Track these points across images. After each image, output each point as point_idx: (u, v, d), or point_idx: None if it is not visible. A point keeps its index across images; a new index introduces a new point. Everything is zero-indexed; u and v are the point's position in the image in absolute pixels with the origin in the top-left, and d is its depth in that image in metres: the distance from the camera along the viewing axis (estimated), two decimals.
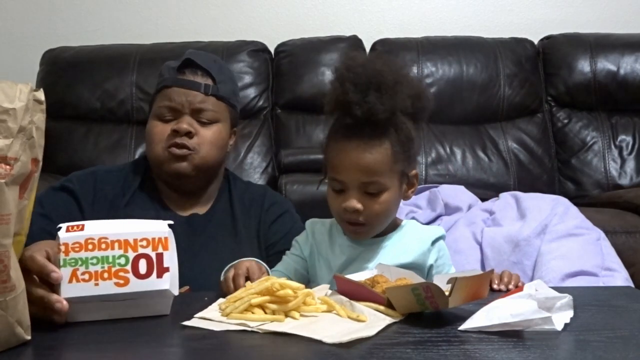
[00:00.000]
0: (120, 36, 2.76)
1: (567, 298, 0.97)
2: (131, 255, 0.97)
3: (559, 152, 2.64)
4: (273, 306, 0.96)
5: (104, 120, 2.58)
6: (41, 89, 0.88)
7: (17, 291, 0.84)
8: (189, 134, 1.41)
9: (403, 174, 1.21)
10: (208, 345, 0.88)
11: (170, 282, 0.99)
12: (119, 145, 2.53)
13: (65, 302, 0.93)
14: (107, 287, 0.95)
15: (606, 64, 2.63)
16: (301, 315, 0.97)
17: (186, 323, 0.95)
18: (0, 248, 0.81)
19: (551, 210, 1.78)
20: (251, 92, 2.61)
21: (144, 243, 0.97)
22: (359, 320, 0.95)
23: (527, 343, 0.87)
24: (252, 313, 0.96)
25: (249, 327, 0.92)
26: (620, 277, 1.66)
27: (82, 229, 0.96)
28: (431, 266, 1.23)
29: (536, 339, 0.88)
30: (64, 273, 0.94)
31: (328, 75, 2.59)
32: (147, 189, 1.47)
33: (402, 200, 1.25)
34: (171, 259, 0.99)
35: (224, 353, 0.88)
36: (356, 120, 1.17)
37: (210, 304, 1.03)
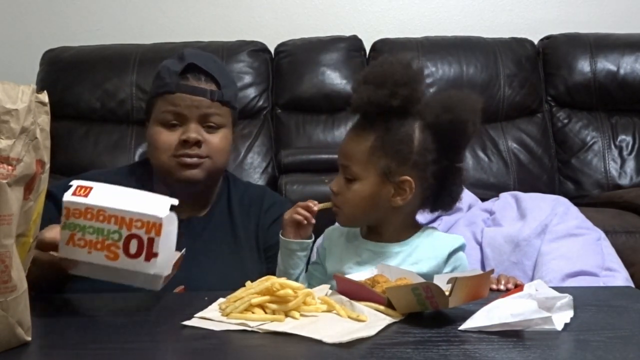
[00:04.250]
0: (120, 36, 2.76)
1: (567, 298, 0.97)
2: (124, 233, 0.98)
3: (559, 152, 2.64)
4: (273, 306, 0.97)
5: (104, 120, 2.58)
6: (45, 91, 0.88)
7: (19, 292, 0.84)
8: (198, 143, 1.40)
9: (385, 173, 1.20)
10: (208, 345, 0.88)
11: (157, 268, 1.00)
12: (119, 146, 2.53)
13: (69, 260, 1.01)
14: (98, 258, 0.99)
15: (606, 64, 2.63)
16: (301, 315, 0.97)
17: (186, 323, 0.95)
18: (1, 248, 0.81)
19: (551, 210, 1.78)
20: (251, 92, 2.60)
21: (138, 224, 0.99)
22: (359, 320, 0.95)
23: (527, 343, 0.87)
24: (252, 313, 0.96)
25: (249, 327, 0.92)
26: (620, 277, 1.66)
27: (86, 194, 1.00)
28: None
29: (536, 339, 0.89)
30: (64, 234, 1.00)
31: (328, 75, 2.59)
32: None
33: (391, 206, 1.22)
34: (164, 243, 1.00)
35: (224, 353, 0.88)
36: (354, 111, 1.25)
37: (210, 304, 1.03)
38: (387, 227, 1.26)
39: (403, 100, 1.19)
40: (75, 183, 1.01)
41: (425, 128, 1.21)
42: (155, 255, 0.99)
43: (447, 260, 1.23)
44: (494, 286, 1.18)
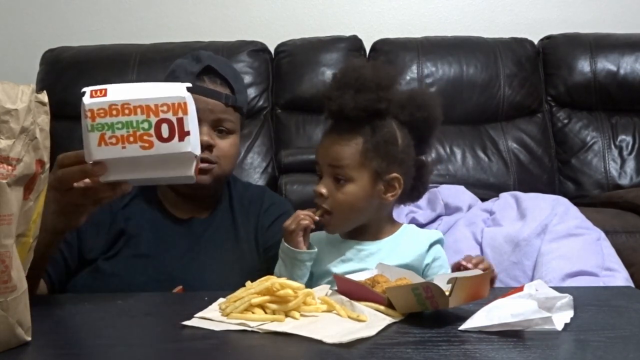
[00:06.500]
0: (120, 36, 2.76)
1: (567, 298, 0.97)
2: (153, 120, 1.01)
3: (559, 152, 2.64)
4: (273, 306, 0.96)
5: None
6: (44, 91, 0.88)
7: (19, 292, 0.84)
8: (210, 147, 1.39)
9: (377, 173, 1.25)
10: (208, 345, 0.88)
11: (191, 145, 1.02)
12: None
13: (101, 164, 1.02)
14: (134, 150, 1.01)
15: (606, 64, 2.64)
16: (301, 315, 0.97)
17: (186, 323, 0.95)
18: (1, 249, 0.81)
19: (551, 210, 1.79)
20: (251, 92, 2.60)
21: (165, 108, 1.01)
22: (359, 320, 0.95)
23: (527, 343, 0.87)
24: (252, 313, 0.96)
25: (249, 327, 0.92)
26: (620, 277, 1.66)
27: (104, 95, 1.03)
28: (427, 265, 1.27)
29: (536, 339, 0.89)
30: (92, 137, 1.02)
31: (328, 75, 2.59)
32: (147, 193, 1.46)
33: (381, 202, 1.28)
34: (192, 122, 1.02)
35: (224, 353, 0.88)
36: (333, 116, 1.28)
37: (210, 304, 1.03)
38: (372, 225, 1.30)
39: (387, 103, 1.25)
40: (87, 89, 1.03)
41: (401, 126, 1.28)
42: (188, 133, 1.01)
43: (427, 250, 1.28)
44: (464, 262, 1.15)
